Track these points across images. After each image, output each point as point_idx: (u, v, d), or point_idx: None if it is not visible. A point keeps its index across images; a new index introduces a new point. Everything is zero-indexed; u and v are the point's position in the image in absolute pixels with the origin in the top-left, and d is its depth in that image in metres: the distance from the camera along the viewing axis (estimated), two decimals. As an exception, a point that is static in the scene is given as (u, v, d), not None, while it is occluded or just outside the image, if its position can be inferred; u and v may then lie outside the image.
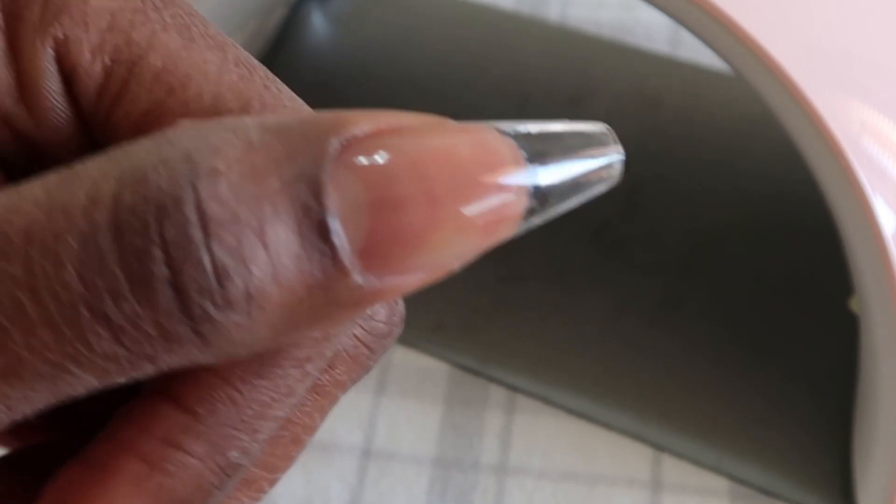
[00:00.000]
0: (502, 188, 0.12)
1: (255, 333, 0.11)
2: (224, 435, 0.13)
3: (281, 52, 0.46)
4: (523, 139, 0.12)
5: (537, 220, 0.13)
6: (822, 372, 0.36)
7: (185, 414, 0.13)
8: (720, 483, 0.34)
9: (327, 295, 0.11)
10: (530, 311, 0.38)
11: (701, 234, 0.39)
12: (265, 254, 0.11)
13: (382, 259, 0.11)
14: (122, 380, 0.12)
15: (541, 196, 0.12)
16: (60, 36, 0.14)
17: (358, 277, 0.11)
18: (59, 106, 0.14)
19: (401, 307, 0.17)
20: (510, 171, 0.12)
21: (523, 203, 0.12)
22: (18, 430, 0.18)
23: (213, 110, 0.13)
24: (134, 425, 0.14)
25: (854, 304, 0.30)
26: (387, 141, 0.12)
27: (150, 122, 0.14)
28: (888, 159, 0.25)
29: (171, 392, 0.14)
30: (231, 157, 0.11)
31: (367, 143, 0.11)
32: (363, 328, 0.16)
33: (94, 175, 0.11)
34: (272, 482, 0.16)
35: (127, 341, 0.11)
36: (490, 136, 0.12)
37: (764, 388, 0.36)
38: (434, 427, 0.36)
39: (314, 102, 0.15)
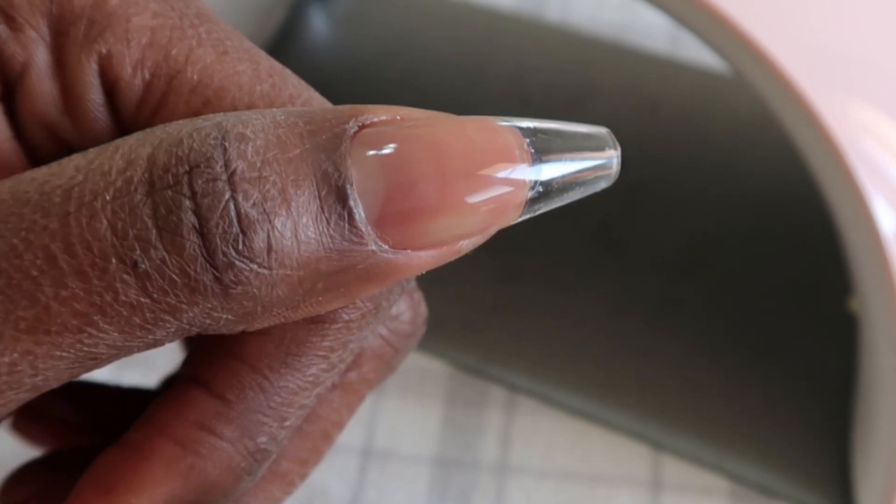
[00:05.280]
0: (509, 169, 0.13)
1: (275, 291, 0.12)
2: (253, 420, 0.14)
3: (281, 52, 0.46)
4: (527, 132, 0.13)
5: (540, 209, 0.13)
6: (821, 372, 0.36)
7: (217, 400, 0.14)
8: (720, 483, 0.34)
9: (343, 260, 0.12)
10: (530, 311, 0.38)
11: (700, 234, 0.39)
12: (286, 211, 0.12)
13: (396, 229, 0.12)
14: (144, 339, 0.12)
15: (544, 186, 0.13)
16: (104, 51, 0.14)
17: (373, 245, 0.12)
18: (101, 117, 0.15)
19: (423, 309, 0.18)
20: (515, 152, 0.13)
21: (527, 187, 0.13)
22: (55, 430, 0.19)
23: None
24: (168, 411, 0.14)
25: (854, 304, 0.30)
26: (402, 126, 0.13)
27: None
28: (888, 159, 0.25)
29: (202, 380, 0.14)
30: (258, 128, 0.12)
31: (384, 125, 0.12)
32: (388, 329, 0.17)
33: (131, 143, 0.12)
34: (303, 476, 0.17)
35: (153, 290, 0.12)
36: (496, 123, 0.13)
37: (764, 388, 0.36)
38: (434, 427, 0.36)
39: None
